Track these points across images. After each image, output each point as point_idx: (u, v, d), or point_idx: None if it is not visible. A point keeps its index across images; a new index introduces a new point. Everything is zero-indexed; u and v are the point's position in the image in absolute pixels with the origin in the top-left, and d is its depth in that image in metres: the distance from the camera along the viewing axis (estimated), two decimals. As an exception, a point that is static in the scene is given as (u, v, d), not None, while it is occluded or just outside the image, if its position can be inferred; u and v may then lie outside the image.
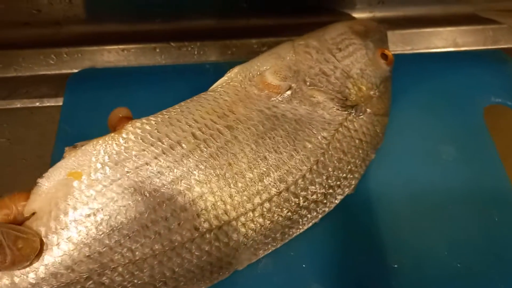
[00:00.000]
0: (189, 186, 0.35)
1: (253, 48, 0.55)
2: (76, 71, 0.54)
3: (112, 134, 0.36)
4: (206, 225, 0.35)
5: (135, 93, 0.50)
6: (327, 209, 0.39)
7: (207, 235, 0.35)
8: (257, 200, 0.36)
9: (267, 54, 0.43)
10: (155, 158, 0.35)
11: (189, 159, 0.35)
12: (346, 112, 0.40)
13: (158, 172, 0.34)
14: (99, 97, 0.50)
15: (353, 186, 0.40)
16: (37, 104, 0.52)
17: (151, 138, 0.36)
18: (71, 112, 0.48)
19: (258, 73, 0.41)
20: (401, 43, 0.55)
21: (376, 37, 0.45)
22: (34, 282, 0.32)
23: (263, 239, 0.37)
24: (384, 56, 0.44)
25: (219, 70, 0.51)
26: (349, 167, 0.39)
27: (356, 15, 0.54)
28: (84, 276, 0.33)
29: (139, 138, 0.36)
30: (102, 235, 0.33)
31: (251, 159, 0.37)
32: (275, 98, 0.40)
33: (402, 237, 0.41)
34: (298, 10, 0.54)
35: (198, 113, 0.38)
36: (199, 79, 0.50)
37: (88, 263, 0.33)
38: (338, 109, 0.40)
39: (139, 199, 0.34)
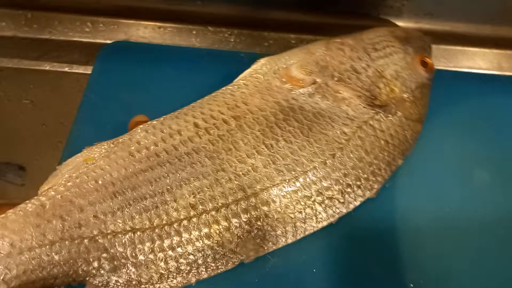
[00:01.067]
0: (183, 167, 0.35)
1: (291, 43, 0.53)
2: (109, 42, 0.53)
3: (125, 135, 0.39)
4: (202, 206, 0.34)
5: (165, 72, 0.49)
6: (344, 210, 0.37)
7: (203, 216, 0.34)
8: (259, 186, 0.35)
9: (298, 49, 0.42)
10: (154, 143, 0.36)
11: (186, 144, 0.36)
12: (373, 111, 0.38)
13: (155, 153, 0.36)
14: (128, 70, 0.49)
15: (375, 189, 0.38)
16: (66, 69, 0.51)
17: (154, 130, 0.37)
18: (99, 82, 0.48)
19: (284, 66, 0.40)
20: (444, 58, 0.53)
21: (417, 45, 0.43)
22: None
23: (270, 230, 0.35)
24: (424, 63, 0.42)
25: (253, 61, 0.50)
26: (371, 168, 0.37)
27: (402, 24, 0.53)
28: (89, 235, 0.33)
29: (144, 131, 0.37)
30: (108, 198, 0.34)
31: (255, 146, 0.36)
32: (296, 91, 0.38)
33: (423, 257, 0.39)
34: (343, 12, 0.52)
35: (208, 106, 0.38)
36: (231, 67, 0.48)
37: (93, 223, 0.33)
38: (364, 107, 0.38)
39: (138, 174, 0.35)
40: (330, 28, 0.52)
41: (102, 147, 0.37)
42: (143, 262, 0.33)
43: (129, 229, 0.33)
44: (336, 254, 0.38)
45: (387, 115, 0.39)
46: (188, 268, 0.34)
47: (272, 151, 0.35)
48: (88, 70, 0.50)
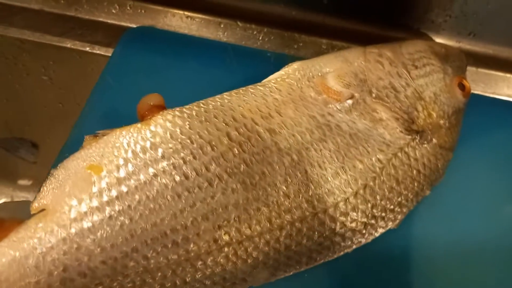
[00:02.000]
0: (213, 194, 0.30)
1: (321, 48, 0.50)
2: (135, 26, 0.52)
3: (139, 125, 0.32)
4: (226, 237, 0.30)
5: (187, 63, 0.47)
6: (363, 241, 0.34)
7: (225, 249, 0.31)
8: (287, 218, 0.31)
9: (333, 56, 0.39)
10: (183, 160, 0.31)
11: (219, 163, 0.31)
12: (410, 137, 0.35)
13: (184, 174, 0.30)
14: (150, 57, 0.47)
15: (398, 221, 0.35)
16: (87, 49, 0.50)
17: (180, 135, 0.32)
18: (118, 65, 0.46)
19: (319, 74, 0.37)
20: (483, 83, 0.50)
21: (456, 64, 0.40)
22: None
23: (286, 261, 0.32)
24: (462, 86, 0.39)
25: (280, 62, 0.48)
26: (399, 199, 0.34)
27: (441, 41, 0.50)
28: (96, 282, 0.29)
29: (168, 133, 0.32)
30: (120, 239, 0.29)
31: (289, 172, 0.32)
32: (332, 106, 0.35)
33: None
34: (380, 21, 0.49)
35: (239, 109, 0.34)
36: (256, 65, 0.47)
37: (102, 269, 0.29)
38: (401, 131, 0.35)
39: (161, 203, 0.30)
40: (365, 37, 0.49)
41: (113, 149, 0.31)
42: None
43: (142, 269, 0.30)
44: (342, 278, 0.36)
45: (423, 142, 0.36)
46: None
47: (305, 178, 0.32)
48: (109, 52, 0.49)
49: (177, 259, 0.30)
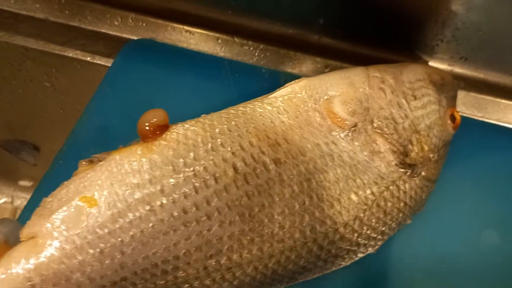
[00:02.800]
0: (210, 227, 0.30)
1: (316, 67, 0.52)
2: (135, 38, 0.53)
3: (139, 152, 0.31)
4: (216, 265, 0.31)
5: (184, 75, 0.48)
6: (343, 264, 0.35)
7: (213, 274, 0.31)
8: (279, 247, 0.32)
9: (339, 77, 0.38)
10: (184, 195, 0.30)
11: (221, 196, 0.30)
12: (403, 170, 0.36)
13: (183, 209, 0.30)
14: (148, 68, 0.48)
15: (377, 247, 0.36)
16: (88, 59, 0.51)
17: (184, 168, 0.31)
18: (117, 75, 0.48)
19: (326, 97, 0.37)
20: (473, 107, 0.51)
21: (450, 94, 0.41)
22: None
23: (270, 282, 0.33)
24: (453, 118, 0.40)
25: (274, 78, 0.49)
26: (383, 228, 0.35)
27: (434, 64, 0.51)
28: None
29: (170, 166, 0.31)
30: (110, 272, 0.29)
31: (288, 203, 0.32)
32: (336, 133, 0.35)
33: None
34: (374, 42, 0.51)
35: (248, 136, 0.33)
36: (251, 81, 0.48)
37: None
38: (396, 165, 0.36)
39: (156, 238, 0.29)
40: (359, 58, 0.50)
41: (110, 182, 0.30)
42: None
43: None
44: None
45: (413, 176, 0.36)
46: None
47: (302, 209, 0.32)
48: (109, 62, 0.50)
49: (164, 284, 0.30)
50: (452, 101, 0.41)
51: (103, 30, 0.53)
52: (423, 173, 0.37)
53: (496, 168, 0.45)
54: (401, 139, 0.36)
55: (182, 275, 0.30)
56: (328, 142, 0.35)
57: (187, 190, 0.30)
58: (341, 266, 0.35)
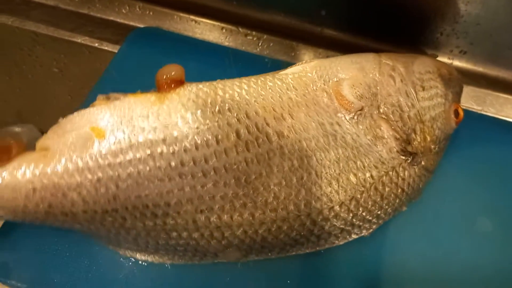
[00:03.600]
0: (204, 184, 0.32)
1: (318, 57, 0.53)
2: (142, 26, 0.55)
3: (153, 99, 0.33)
4: (205, 221, 0.32)
5: (188, 64, 0.48)
6: (336, 242, 0.36)
7: (202, 230, 0.33)
8: (271, 216, 0.33)
9: (350, 61, 0.39)
10: (184, 148, 0.32)
11: (220, 157, 0.32)
12: (403, 158, 0.37)
13: (181, 162, 0.32)
14: (153, 55, 0.50)
15: (371, 230, 0.37)
16: (96, 45, 0.53)
17: (189, 123, 0.32)
18: (123, 61, 0.49)
19: (335, 79, 0.38)
20: (472, 100, 0.51)
21: (455, 90, 0.42)
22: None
23: (259, 248, 0.35)
24: (456, 113, 0.40)
25: (276, 67, 0.50)
26: (378, 212, 0.36)
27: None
28: (76, 222, 0.33)
29: (178, 117, 0.33)
30: (103, 200, 0.32)
31: (286, 176, 0.33)
32: (342, 115, 0.36)
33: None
34: (374, 35, 0.52)
35: (255, 106, 0.34)
36: (254, 70, 0.48)
37: (82, 216, 0.32)
38: (397, 151, 0.37)
39: (150, 181, 0.32)
40: (360, 49, 0.51)
41: (120, 119, 0.33)
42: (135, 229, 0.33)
43: (118, 225, 0.33)
44: (316, 278, 0.37)
45: (413, 164, 0.37)
46: (170, 250, 0.34)
47: (299, 183, 0.33)
48: (116, 49, 0.52)
49: (152, 226, 0.33)
50: (457, 96, 0.42)
51: (111, 18, 0.55)
52: (422, 163, 0.38)
53: (492, 159, 0.46)
54: (405, 127, 0.37)
55: (171, 222, 0.32)
56: (333, 122, 0.36)
57: (187, 145, 0.32)
58: (334, 245, 0.36)
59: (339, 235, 0.36)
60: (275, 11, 0.52)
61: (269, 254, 0.35)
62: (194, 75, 0.49)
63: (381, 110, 0.37)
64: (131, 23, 0.55)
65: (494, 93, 0.51)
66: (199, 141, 0.32)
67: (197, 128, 0.32)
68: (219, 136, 0.32)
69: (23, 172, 0.32)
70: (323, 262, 0.38)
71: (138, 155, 0.32)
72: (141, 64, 0.49)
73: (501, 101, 0.51)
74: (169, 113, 0.33)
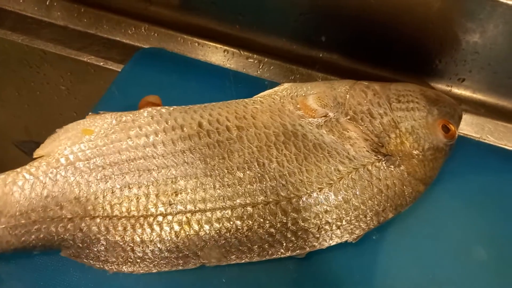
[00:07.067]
0: (175, 164, 0.36)
1: (317, 81, 0.54)
2: (147, 47, 0.56)
3: (134, 111, 0.40)
4: (180, 207, 0.35)
5: (189, 84, 0.51)
6: (317, 245, 0.36)
7: (179, 216, 0.35)
8: (239, 200, 0.35)
9: (322, 83, 0.43)
10: (155, 133, 0.37)
11: (185, 141, 0.37)
12: (375, 157, 0.38)
13: (153, 144, 0.37)
14: (156, 76, 0.51)
15: (355, 235, 0.37)
16: (101, 64, 0.54)
17: (159, 118, 0.38)
18: (126, 80, 0.50)
19: (303, 94, 0.41)
20: (471, 128, 0.51)
21: (445, 110, 0.42)
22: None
23: (237, 244, 0.35)
24: (446, 129, 0.41)
25: (275, 90, 0.51)
26: (356, 212, 0.37)
27: (432, 84, 0.52)
28: (69, 216, 0.35)
29: (150, 116, 0.39)
30: (94, 182, 0.36)
31: (248, 161, 0.36)
32: (305, 119, 0.39)
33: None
34: (373, 60, 0.52)
35: (218, 110, 0.39)
36: (253, 92, 0.49)
37: (74, 205, 0.35)
38: (367, 151, 0.38)
39: (128, 164, 0.36)
40: (358, 75, 0.52)
41: (105, 120, 0.39)
42: (113, 245, 0.35)
43: (106, 215, 0.35)
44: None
45: (389, 165, 0.38)
46: (152, 259, 0.35)
47: (262, 170, 0.36)
48: (120, 68, 0.53)
49: (136, 214, 0.35)
50: (446, 115, 0.42)
51: (117, 38, 0.57)
52: (402, 167, 0.38)
53: (489, 187, 0.45)
54: (377, 131, 0.39)
55: (151, 210, 0.35)
56: (295, 124, 0.39)
57: (158, 128, 0.38)
58: (316, 248, 0.36)
59: (317, 234, 0.36)
60: (276, 35, 0.53)
61: (249, 255, 0.36)
62: (195, 95, 0.50)
63: (349, 116, 0.40)
64: (137, 44, 0.56)
65: (493, 121, 0.51)
66: (167, 128, 0.38)
67: (166, 120, 0.38)
68: (184, 126, 0.38)
69: (23, 172, 0.36)
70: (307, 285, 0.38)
71: (118, 145, 0.37)
72: (143, 83, 0.50)
73: (500, 129, 0.51)
74: (144, 115, 0.39)
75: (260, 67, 0.55)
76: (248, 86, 0.51)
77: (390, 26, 0.48)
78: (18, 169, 0.37)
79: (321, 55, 0.53)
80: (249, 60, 0.55)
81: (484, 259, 0.41)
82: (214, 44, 0.55)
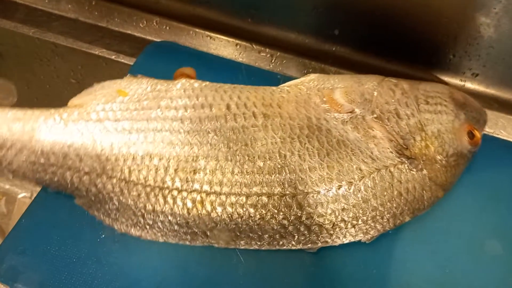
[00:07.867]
0: (199, 143, 0.36)
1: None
2: (158, 40, 0.56)
3: (169, 81, 0.41)
4: (196, 185, 0.35)
5: (201, 77, 0.49)
6: (330, 241, 0.36)
7: (194, 194, 0.35)
8: (256, 189, 0.35)
9: (350, 76, 0.43)
10: (184, 108, 0.38)
11: (212, 122, 0.37)
12: (398, 159, 0.37)
13: (181, 119, 0.37)
14: (168, 69, 0.50)
15: (370, 235, 0.37)
16: (113, 57, 0.54)
17: (191, 92, 0.39)
18: (138, 73, 0.49)
19: (330, 87, 0.40)
20: (484, 122, 0.51)
21: (472, 114, 0.42)
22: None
23: (247, 231, 0.35)
24: (471, 135, 0.40)
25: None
26: (373, 213, 0.36)
27: (446, 78, 0.52)
28: (86, 170, 0.36)
29: (183, 89, 0.39)
30: (117, 144, 0.36)
31: (269, 151, 0.36)
32: (331, 114, 0.38)
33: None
34: (387, 54, 0.52)
35: (246, 94, 0.39)
36: (265, 86, 0.49)
37: (94, 161, 0.36)
38: (391, 152, 0.37)
39: (153, 134, 0.37)
40: (371, 69, 0.52)
41: (141, 85, 0.40)
42: (125, 206, 0.36)
43: (123, 178, 0.36)
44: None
45: (412, 169, 0.38)
46: (161, 228, 0.36)
47: (282, 161, 0.36)
48: (132, 61, 0.53)
49: (152, 184, 0.36)
50: (473, 120, 0.42)
51: (129, 31, 0.56)
52: (425, 171, 0.38)
53: (503, 182, 0.45)
54: (402, 132, 0.38)
55: (168, 183, 0.36)
56: (320, 118, 0.38)
57: (188, 103, 0.38)
58: (328, 244, 0.36)
59: (331, 230, 0.36)
60: (289, 29, 0.53)
61: (259, 242, 0.36)
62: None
63: (375, 115, 0.39)
64: (148, 37, 0.56)
65: (507, 116, 0.51)
66: (197, 105, 0.38)
67: (196, 96, 0.39)
68: (213, 106, 0.38)
69: (54, 115, 0.38)
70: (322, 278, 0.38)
71: (148, 112, 0.38)
72: (155, 76, 0.49)
73: (514, 123, 0.51)
74: (177, 87, 0.40)
75: (273, 61, 0.55)
76: (260, 80, 0.51)
77: (403, 20, 0.48)
78: (52, 110, 0.38)
79: (334, 49, 0.53)
80: (261, 54, 0.55)
81: (499, 253, 0.40)
82: (226, 38, 0.55)
